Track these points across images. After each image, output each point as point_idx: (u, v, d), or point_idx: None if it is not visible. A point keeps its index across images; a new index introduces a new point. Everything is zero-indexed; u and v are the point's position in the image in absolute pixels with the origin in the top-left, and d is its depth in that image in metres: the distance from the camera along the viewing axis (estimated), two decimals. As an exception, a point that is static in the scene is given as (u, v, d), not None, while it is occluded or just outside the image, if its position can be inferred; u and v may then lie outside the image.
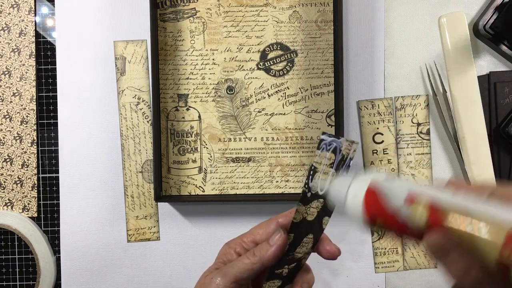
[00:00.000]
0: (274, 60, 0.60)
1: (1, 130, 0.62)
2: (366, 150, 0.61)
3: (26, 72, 0.62)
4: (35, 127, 0.62)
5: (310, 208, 0.36)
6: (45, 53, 0.62)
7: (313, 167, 0.36)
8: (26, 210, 0.62)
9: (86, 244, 0.62)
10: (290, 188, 0.61)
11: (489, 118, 0.59)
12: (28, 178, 0.62)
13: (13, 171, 0.62)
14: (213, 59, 0.60)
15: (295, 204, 0.37)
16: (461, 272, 0.24)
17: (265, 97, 0.60)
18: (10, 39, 0.62)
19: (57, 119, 0.62)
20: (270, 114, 0.60)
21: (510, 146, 0.59)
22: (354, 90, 0.61)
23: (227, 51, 0.60)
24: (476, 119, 0.58)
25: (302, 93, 0.60)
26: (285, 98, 0.60)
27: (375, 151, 0.60)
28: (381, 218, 0.28)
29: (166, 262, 0.62)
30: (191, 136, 0.61)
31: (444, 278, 0.61)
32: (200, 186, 0.61)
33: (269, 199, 0.59)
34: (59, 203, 0.62)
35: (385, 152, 0.60)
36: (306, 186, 0.36)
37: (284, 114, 0.60)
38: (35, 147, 0.62)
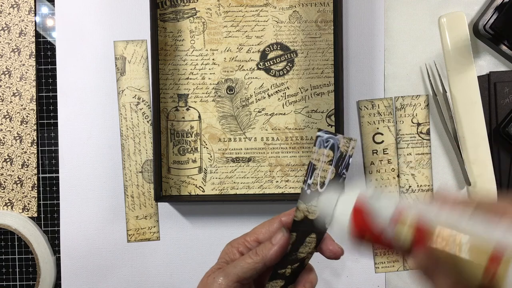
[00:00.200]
0: (274, 60, 0.60)
1: (1, 130, 0.62)
2: (366, 150, 0.61)
3: (26, 72, 0.62)
4: (35, 127, 0.62)
5: (311, 206, 0.36)
6: (45, 53, 0.62)
7: (311, 165, 0.36)
8: (26, 210, 0.62)
9: (86, 244, 0.62)
10: (290, 188, 0.61)
11: (489, 118, 0.59)
12: (28, 178, 0.62)
13: (13, 171, 0.62)
14: (213, 59, 0.60)
15: (295, 204, 0.37)
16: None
17: (265, 97, 0.60)
18: (10, 39, 0.62)
19: (57, 119, 0.62)
20: (270, 114, 0.60)
21: (510, 146, 0.59)
22: (354, 90, 0.61)
23: (227, 51, 0.60)
24: (476, 119, 0.58)
25: (302, 93, 0.60)
26: (285, 98, 0.60)
27: (375, 151, 0.60)
28: (368, 236, 0.28)
29: (166, 262, 0.62)
30: (191, 136, 0.61)
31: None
32: (200, 186, 0.61)
33: (269, 199, 0.59)
34: (59, 203, 0.62)
35: (385, 152, 0.60)
36: (305, 183, 0.36)
37: (284, 114, 0.60)
38: (35, 147, 0.62)
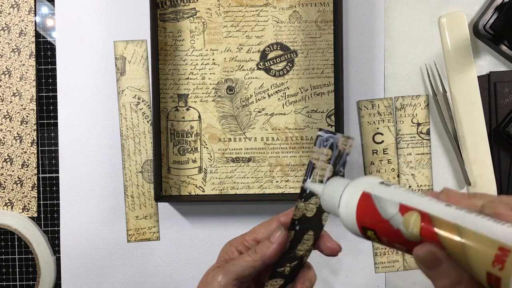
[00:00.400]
0: (274, 60, 0.60)
1: (1, 130, 0.62)
2: (366, 150, 0.61)
3: (26, 72, 0.62)
4: (35, 127, 0.62)
5: (309, 204, 0.37)
6: (45, 53, 0.62)
7: (311, 164, 0.36)
8: (26, 210, 0.62)
9: (86, 244, 0.62)
10: (290, 188, 0.61)
11: (489, 118, 0.59)
12: (28, 178, 0.62)
13: (13, 171, 0.62)
14: (213, 59, 0.60)
15: (295, 204, 0.37)
16: (450, 286, 0.24)
17: (265, 97, 0.60)
18: (10, 39, 0.62)
19: (57, 119, 0.62)
20: (270, 114, 0.60)
21: (510, 146, 0.59)
22: (354, 90, 0.61)
23: (227, 51, 0.60)
24: (476, 119, 0.58)
25: (302, 93, 0.60)
26: (285, 98, 0.60)
27: (375, 151, 0.60)
28: (374, 226, 0.28)
29: (166, 262, 0.62)
30: (191, 136, 0.61)
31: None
32: (200, 186, 0.61)
33: (269, 199, 0.59)
34: (59, 203, 0.62)
35: (385, 152, 0.60)
36: (305, 182, 0.36)
37: (284, 114, 0.60)
38: (35, 147, 0.62)
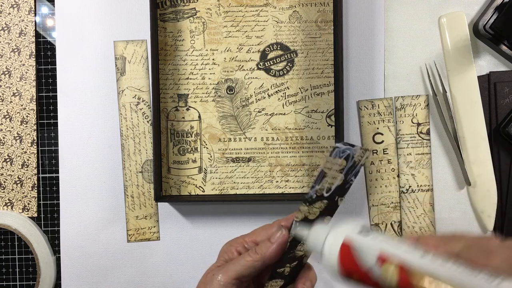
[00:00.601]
0: (274, 60, 0.60)
1: (1, 130, 0.62)
2: (366, 150, 0.61)
3: (26, 72, 0.62)
4: (35, 127, 0.62)
5: (313, 208, 0.37)
6: (45, 53, 0.62)
7: (322, 172, 0.36)
8: (26, 210, 0.62)
9: (86, 244, 0.62)
10: (290, 188, 0.61)
11: (489, 118, 0.59)
12: (28, 178, 0.62)
13: (13, 171, 0.62)
14: (213, 59, 0.60)
15: (295, 204, 0.37)
16: None
17: (265, 97, 0.60)
18: (10, 39, 0.62)
19: (57, 119, 0.62)
20: (270, 114, 0.60)
21: (510, 146, 0.59)
22: (354, 90, 0.61)
23: (227, 51, 0.60)
24: (476, 119, 0.58)
25: (302, 93, 0.60)
26: (285, 98, 0.60)
27: (375, 151, 0.60)
28: (355, 276, 0.29)
29: (166, 262, 0.62)
30: (191, 136, 0.61)
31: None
32: (200, 186, 0.61)
33: (269, 199, 0.59)
34: (59, 203, 0.62)
35: (385, 152, 0.60)
36: (313, 188, 0.37)
37: (284, 114, 0.60)
38: (35, 147, 0.62)
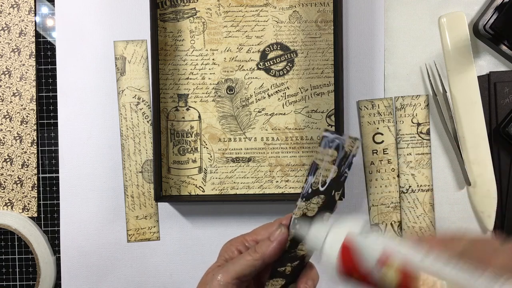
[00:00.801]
0: (274, 60, 0.60)
1: (1, 130, 0.62)
2: (366, 150, 0.61)
3: (26, 72, 0.62)
4: (35, 127, 0.62)
5: (310, 204, 0.36)
6: (45, 53, 0.62)
7: (314, 164, 0.36)
8: (26, 210, 0.62)
9: (86, 244, 0.62)
10: (290, 188, 0.61)
11: (489, 118, 0.59)
12: (28, 178, 0.62)
13: (13, 171, 0.62)
14: (213, 59, 0.60)
15: (295, 204, 0.37)
16: None
17: (265, 97, 0.60)
18: (10, 39, 0.62)
19: (57, 119, 0.62)
20: (270, 114, 0.60)
21: (510, 146, 0.59)
22: (354, 90, 0.61)
23: (227, 51, 0.60)
24: (476, 119, 0.58)
25: (302, 93, 0.60)
26: (285, 98, 0.60)
27: (375, 151, 0.60)
28: (355, 276, 0.29)
29: (166, 262, 0.62)
30: (191, 136, 0.61)
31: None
32: (200, 186, 0.61)
33: (269, 199, 0.59)
34: (59, 203, 0.62)
35: (385, 152, 0.60)
36: (307, 182, 0.36)
37: (284, 114, 0.60)
38: (35, 147, 0.62)
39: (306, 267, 0.38)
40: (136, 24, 0.61)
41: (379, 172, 0.60)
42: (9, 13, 0.61)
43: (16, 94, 0.62)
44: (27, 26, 0.62)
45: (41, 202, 0.62)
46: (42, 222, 0.62)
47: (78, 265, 0.62)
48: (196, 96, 0.61)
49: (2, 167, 0.62)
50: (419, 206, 0.60)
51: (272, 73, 0.60)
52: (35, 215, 0.62)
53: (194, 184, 0.61)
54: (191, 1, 0.60)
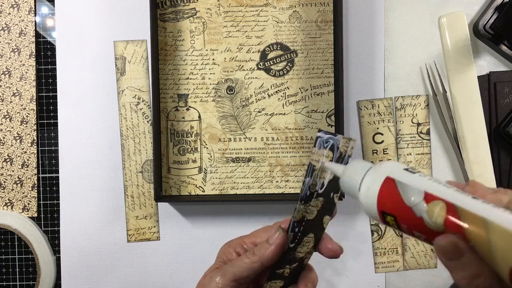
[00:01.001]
0: (274, 60, 0.60)
1: (1, 130, 0.62)
2: (366, 150, 0.61)
3: (26, 72, 0.62)
4: (35, 127, 0.62)
5: (309, 206, 0.36)
6: (45, 53, 0.62)
7: (311, 165, 0.36)
8: (26, 210, 0.62)
9: (86, 244, 0.62)
10: (290, 188, 0.61)
11: (489, 118, 0.59)
12: (28, 178, 0.62)
13: (13, 171, 0.62)
14: (213, 59, 0.60)
15: (295, 204, 0.37)
16: (470, 278, 0.24)
17: (265, 97, 0.60)
18: (10, 39, 0.62)
19: (57, 119, 0.62)
20: (270, 114, 0.60)
21: (510, 146, 0.59)
22: (354, 90, 0.61)
23: (227, 51, 0.60)
24: (476, 119, 0.58)
25: (302, 93, 0.60)
26: (285, 98, 0.60)
27: (375, 151, 0.60)
28: (395, 212, 0.27)
29: (166, 262, 0.62)
30: (191, 136, 0.61)
31: (443, 279, 0.61)
32: (200, 186, 0.61)
33: (269, 199, 0.59)
34: (59, 203, 0.62)
35: (385, 152, 0.60)
36: (305, 184, 0.36)
37: (284, 114, 0.60)
38: (35, 147, 0.62)
39: (305, 269, 0.38)
40: (136, 24, 0.61)
41: (379, 172, 0.60)
42: (9, 13, 0.61)
43: (16, 94, 0.62)
44: (27, 26, 0.62)
45: (41, 202, 0.62)
46: (42, 222, 0.62)
47: (78, 265, 0.62)
48: (196, 96, 0.61)
49: (2, 167, 0.62)
50: (419, 206, 0.60)
51: (272, 73, 0.60)
52: (35, 215, 0.62)
53: (194, 184, 0.61)
54: (191, 1, 0.60)
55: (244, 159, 0.61)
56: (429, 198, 0.26)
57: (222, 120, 0.61)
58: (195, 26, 0.60)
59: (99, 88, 0.61)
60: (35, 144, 0.62)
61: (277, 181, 0.61)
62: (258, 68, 0.60)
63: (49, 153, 0.62)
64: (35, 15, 0.62)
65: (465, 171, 0.59)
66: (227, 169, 0.61)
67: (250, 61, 0.60)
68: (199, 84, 0.60)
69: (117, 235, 0.62)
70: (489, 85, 0.59)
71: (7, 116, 0.62)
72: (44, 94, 0.62)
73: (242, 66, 0.60)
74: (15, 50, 0.62)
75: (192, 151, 0.61)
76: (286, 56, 0.60)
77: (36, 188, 0.62)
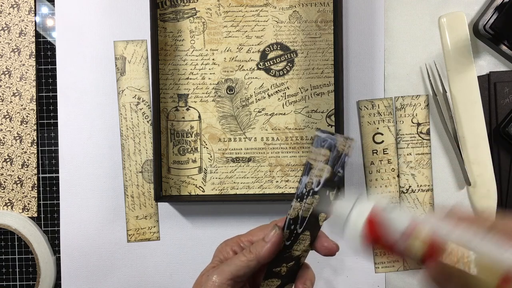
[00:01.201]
0: (274, 60, 0.60)
1: (1, 130, 0.62)
2: (366, 150, 0.61)
3: (26, 72, 0.62)
4: (35, 127, 0.62)
5: (305, 204, 0.36)
6: (45, 53, 0.62)
7: (308, 164, 0.36)
8: (26, 210, 0.62)
9: (86, 244, 0.62)
10: (290, 188, 0.61)
11: (489, 118, 0.59)
12: (28, 178, 0.62)
13: (13, 171, 0.62)
14: (213, 59, 0.60)
15: (290, 205, 0.37)
16: None
17: (265, 97, 0.60)
18: (10, 39, 0.62)
19: (57, 119, 0.62)
20: (270, 114, 0.60)
21: (510, 146, 0.59)
22: (354, 90, 0.61)
23: (227, 51, 0.60)
24: (476, 119, 0.58)
25: (302, 93, 0.60)
26: (285, 98, 0.60)
27: (375, 151, 0.60)
28: (381, 244, 0.28)
29: (166, 262, 0.62)
30: (191, 136, 0.61)
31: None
32: (200, 186, 0.61)
33: (269, 199, 0.59)
34: (59, 203, 0.62)
35: (385, 152, 0.60)
36: (301, 182, 0.36)
37: (284, 114, 0.60)
38: (35, 147, 0.62)
39: (302, 267, 0.38)
40: (136, 24, 0.61)
41: (379, 172, 0.60)
42: (9, 13, 0.61)
43: (16, 94, 0.62)
44: (27, 26, 0.62)
45: (41, 202, 0.62)
46: (42, 222, 0.62)
47: (78, 265, 0.62)
48: (196, 96, 0.61)
49: (2, 167, 0.62)
50: (419, 206, 0.60)
51: (272, 73, 0.60)
52: (35, 215, 0.62)
53: (194, 184, 0.61)
54: (191, 1, 0.60)
55: (244, 159, 0.61)
56: (411, 229, 0.27)
57: (222, 120, 0.61)
58: (195, 26, 0.60)
59: (99, 88, 0.61)
60: (35, 144, 0.62)
61: (277, 181, 0.61)
62: (258, 68, 0.60)
63: (49, 153, 0.62)
64: (35, 15, 0.62)
65: (465, 171, 0.59)
66: (227, 169, 0.61)
67: (250, 61, 0.60)
68: (199, 84, 0.60)
69: (117, 235, 0.62)
70: (489, 85, 0.59)
71: (7, 116, 0.62)
72: (44, 94, 0.62)
73: (242, 66, 0.60)
74: (15, 50, 0.62)
75: (192, 151, 0.61)
76: (286, 56, 0.60)
77: (36, 188, 0.62)
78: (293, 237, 0.37)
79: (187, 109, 0.61)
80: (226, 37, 0.60)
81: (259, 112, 0.60)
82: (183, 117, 0.61)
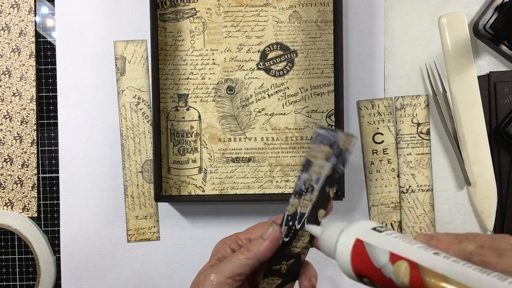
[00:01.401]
0: (274, 60, 0.60)
1: (1, 130, 0.62)
2: (366, 150, 0.61)
3: (26, 72, 0.62)
4: (35, 127, 0.62)
5: (303, 200, 0.36)
6: (45, 53, 0.62)
7: (308, 161, 0.36)
8: (26, 210, 0.62)
9: (86, 244, 0.62)
10: (290, 188, 0.61)
11: (489, 118, 0.59)
12: (28, 178, 0.62)
13: (13, 171, 0.62)
14: (213, 59, 0.60)
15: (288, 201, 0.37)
16: None
17: (265, 97, 0.60)
18: (10, 39, 0.62)
19: (57, 119, 0.62)
20: (270, 114, 0.60)
21: (510, 146, 0.59)
22: (354, 90, 0.61)
23: (227, 51, 0.60)
24: (476, 119, 0.58)
25: (302, 93, 0.60)
26: (285, 98, 0.60)
27: (375, 151, 0.60)
28: (368, 273, 0.28)
29: (166, 262, 0.62)
30: (191, 136, 0.61)
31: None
32: (200, 186, 0.61)
33: (269, 199, 0.59)
34: (59, 203, 0.62)
35: (385, 152, 0.60)
36: (300, 179, 0.36)
37: (284, 114, 0.60)
38: (35, 147, 0.62)
39: (303, 265, 0.38)
40: (136, 24, 0.61)
41: (379, 172, 0.60)
42: (9, 13, 0.61)
43: (16, 94, 0.62)
44: (27, 26, 0.62)
45: (41, 202, 0.62)
46: (42, 222, 0.62)
47: (78, 265, 0.62)
48: (196, 96, 0.61)
49: (2, 167, 0.62)
50: (419, 206, 0.60)
51: (272, 73, 0.60)
52: (35, 215, 0.62)
53: (194, 184, 0.61)
54: (191, 1, 0.60)
55: (244, 159, 0.61)
56: (394, 258, 0.27)
57: (222, 120, 0.61)
58: (195, 26, 0.60)
59: (99, 88, 0.61)
60: (35, 144, 0.62)
61: (277, 181, 0.61)
62: (258, 68, 0.60)
63: (49, 153, 0.62)
64: (35, 15, 0.62)
65: (465, 171, 0.59)
66: (227, 169, 0.61)
67: (250, 61, 0.60)
68: (199, 84, 0.60)
69: (117, 235, 0.62)
70: (489, 85, 0.59)
71: (7, 116, 0.62)
72: (44, 94, 0.62)
73: (242, 66, 0.60)
74: (15, 50, 0.62)
75: (192, 151, 0.61)
76: (286, 56, 0.60)
77: (36, 188, 0.62)
78: (292, 234, 0.36)
79: (187, 109, 0.61)
80: (226, 37, 0.60)
81: (259, 112, 0.60)
82: (183, 117, 0.61)
